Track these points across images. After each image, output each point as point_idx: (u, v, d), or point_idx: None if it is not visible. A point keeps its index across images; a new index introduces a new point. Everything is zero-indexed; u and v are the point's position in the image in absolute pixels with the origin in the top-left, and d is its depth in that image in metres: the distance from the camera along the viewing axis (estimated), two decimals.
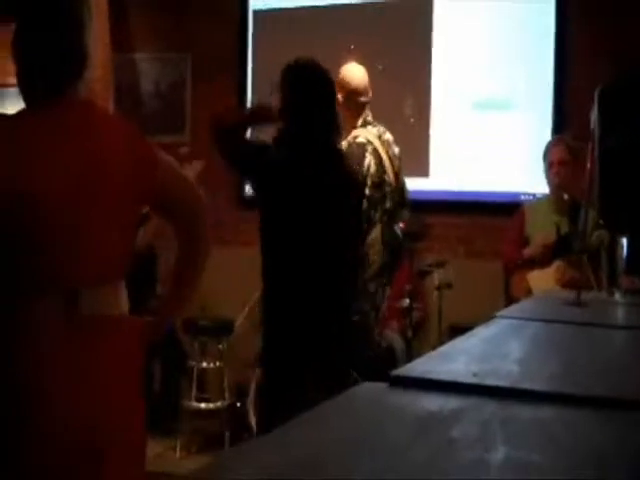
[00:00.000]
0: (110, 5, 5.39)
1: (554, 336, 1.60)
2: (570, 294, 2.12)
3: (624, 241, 2.33)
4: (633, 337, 1.61)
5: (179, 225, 2.13)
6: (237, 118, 2.97)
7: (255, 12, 5.84)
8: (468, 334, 1.45)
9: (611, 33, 4.88)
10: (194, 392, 5.03)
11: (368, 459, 0.72)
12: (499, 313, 1.80)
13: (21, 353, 1.80)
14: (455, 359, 1.18)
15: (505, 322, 1.66)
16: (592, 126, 1.86)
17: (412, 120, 5.34)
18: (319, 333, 2.74)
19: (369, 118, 3.75)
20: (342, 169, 2.97)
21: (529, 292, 3.94)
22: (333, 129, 2.93)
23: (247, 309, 5.22)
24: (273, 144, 2.91)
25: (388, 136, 3.78)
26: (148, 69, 6.11)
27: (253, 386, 4.51)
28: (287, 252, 2.81)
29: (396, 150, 3.79)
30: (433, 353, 1.27)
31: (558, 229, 4.05)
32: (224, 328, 5.26)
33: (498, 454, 0.74)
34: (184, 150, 4.53)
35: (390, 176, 3.69)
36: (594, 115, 1.84)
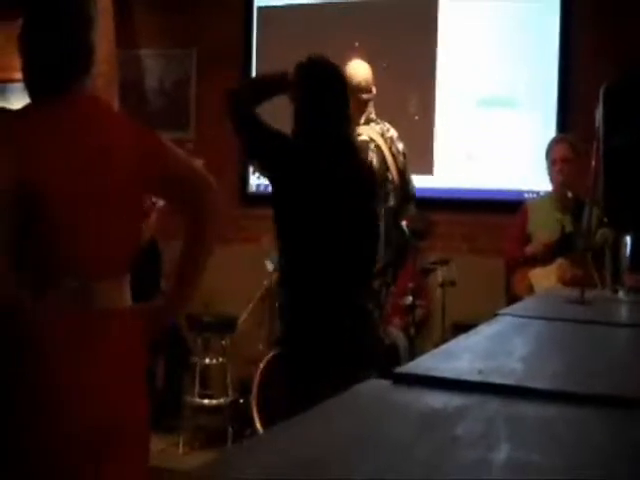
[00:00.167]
0: (114, 1, 5.39)
1: (558, 334, 1.60)
2: (573, 292, 2.12)
3: (628, 239, 2.32)
4: (636, 335, 1.61)
5: (188, 210, 2.10)
6: (253, 83, 2.97)
7: (260, 9, 5.84)
8: (472, 332, 1.45)
9: (616, 32, 4.87)
10: (197, 388, 5.04)
11: (372, 457, 0.72)
12: (502, 311, 1.80)
13: (33, 346, 1.81)
14: (459, 357, 1.17)
15: (508, 320, 1.66)
16: (597, 124, 1.85)
17: (416, 118, 5.34)
18: (332, 325, 2.74)
19: (372, 115, 3.75)
20: (356, 162, 2.98)
21: (531, 290, 3.94)
22: (347, 123, 2.94)
23: (250, 306, 5.23)
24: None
25: (392, 133, 3.78)
26: (152, 65, 6.11)
27: (256, 382, 4.52)
28: (301, 243, 2.82)
29: (400, 146, 3.78)
30: (437, 350, 1.27)
31: (562, 227, 4.04)
32: (227, 324, 5.27)
33: (502, 452, 0.74)
34: (188, 147, 4.54)
35: (393, 173, 3.68)
36: (599, 113, 1.84)
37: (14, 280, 1.81)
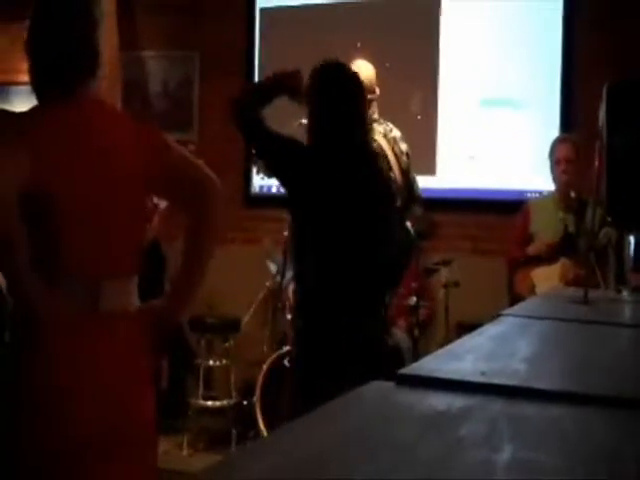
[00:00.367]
0: (118, 3, 5.39)
1: (561, 334, 1.60)
2: (577, 292, 2.11)
3: (631, 239, 2.32)
4: None
5: (192, 209, 2.10)
6: (258, 86, 2.93)
7: (262, 10, 5.84)
8: (475, 332, 1.45)
9: (619, 32, 4.86)
10: (201, 390, 5.04)
11: (376, 458, 0.72)
12: (505, 311, 1.80)
13: (38, 347, 1.82)
14: (462, 358, 1.17)
15: (512, 320, 1.66)
16: (600, 124, 1.85)
17: (419, 118, 5.33)
18: (345, 327, 2.72)
19: (375, 116, 3.75)
20: (371, 170, 2.93)
21: (533, 290, 3.94)
22: (364, 128, 2.90)
23: (253, 307, 5.23)
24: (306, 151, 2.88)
25: (395, 133, 3.78)
26: (156, 67, 6.12)
27: (259, 384, 4.52)
28: (316, 249, 2.79)
29: (403, 147, 3.78)
30: (440, 352, 1.27)
31: (565, 227, 4.04)
32: (231, 326, 5.27)
33: (506, 453, 0.74)
34: (190, 148, 4.54)
35: (396, 174, 3.68)
36: (602, 113, 1.83)
37: (36, 279, 1.81)
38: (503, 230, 4.71)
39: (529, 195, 4.91)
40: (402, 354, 4.56)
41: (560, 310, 1.96)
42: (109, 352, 1.88)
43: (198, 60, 6.03)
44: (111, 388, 1.87)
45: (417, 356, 3.94)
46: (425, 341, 4.73)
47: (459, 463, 0.72)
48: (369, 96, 3.73)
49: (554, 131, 4.91)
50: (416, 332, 4.32)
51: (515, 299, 3.72)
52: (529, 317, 1.74)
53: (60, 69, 1.91)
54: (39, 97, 1.95)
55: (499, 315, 1.69)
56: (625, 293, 2.28)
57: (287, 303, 4.68)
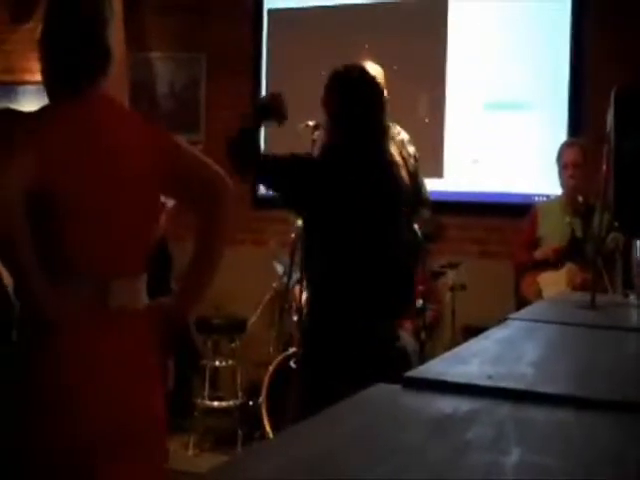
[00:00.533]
0: (124, 4, 5.40)
1: (568, 339, 1.60)
2: (584, 297, 2.11)
3: (639, 243, 2.32)
4: None
5: (202, 209, 2.10)
6: (246, 119, 2.89)
7: (269, 11, 5.85)
8: (481, 336, 1.45)
9: (627, 33, 4.85)
10: (207, 390, 5.05)
11: (383, 461, 0.73)
12: (512, 315, 1.80)
13: (47, 345, 1.83)
14: (469, 361, 1.18)
15: (518, 324, 1.66)
16: (608, 128, 1.85)
17: (427, 120, 5.33)
18: (357, 330, 2.71)
19: None
20: (387, 177, 2.91)
21: (540, 294, 3.93)
22: (382, 134, 2.89)
23: (260, 308, 5.24)
24: (322, 152, 2.87)
25: (403, 136, 3.77)
26: (163, 68, 6.13)
27: (266, 384, 4.52)
28: (328, 251, 2.78)
29: (411, 150, 3.77)
30: (446, 355, 1.27)
31: (572, 231, 4.04)
32: (237, 327, 5.28)
33: (512, 456, 0.74)
34: (197, 149, 4.54)
35: (404, 177, 3.67)
36: (610, 117, 1.83)
37: (43, 278, 1.82)
38: (510, 233, 4.71)
39: (536, 199, 4.91)
40: (408, 357, 4.56)
41: (567, 314, 1.96)
42: (117, 350, 1.89)
43: (205, 61, 6.04)
44: (119, 385, 1.88)
45: (423, 359, 3.93)
46: (432, 344, 4.73)
47: (466, 466, 0.72)
48: None
49: (562, 134, 4.90)
50: (422, 335, 4.31)
51: (522, 303, 3.71)
52: (536, 321, 1.74)
53: (71, 68, 1.93)
54: (51, 96, 1.97)
55: (506, 319, 1.69)
56: (632, 298, 2.28)
57: (293, 304, 4.68)
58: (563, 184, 4.22)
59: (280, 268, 5.05)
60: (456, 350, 1.31)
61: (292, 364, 4.33)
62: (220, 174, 2.08)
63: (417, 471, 0.70)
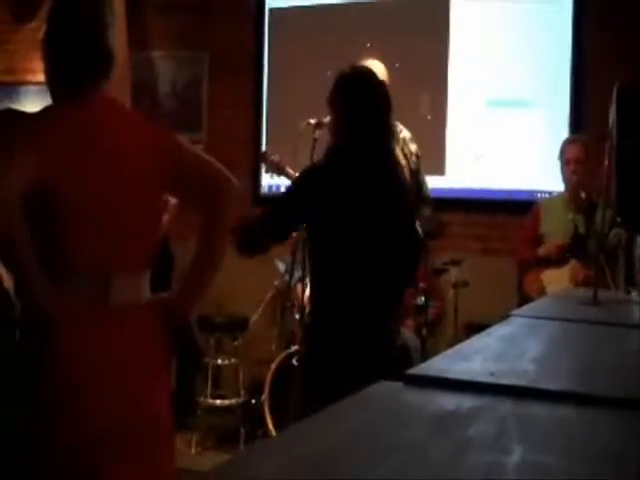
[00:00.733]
0: (127, 4, 5.41)
1: (570, 335, 1.60)
2: (586, 293, 2.11)
3: None
4: None
5: (206, 207, 2.10)
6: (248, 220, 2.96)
7: (271, 10, 5.85)
8: (484, 333, 1.45)
9: (629, 32, 4.85)
10: (209, 389, 5.05)
11: (385, 458, 0.73)
12: (514, 312, 1.80)
13: (50, 344, 1.83)
14: (471, 358, 1.18)
15: (521, 321, 1.66)
16: (610, 125, 1.85)
17: (429, 118, 5.33)
18: (358, 328, 2.72)
19: None
20: (391, 179, 2.91)
21: (543, 291, 3.93)
22: (389, 136, 2.89)
23: (262, 306, 5.24)
24: (327, 154, 2.87)
25: (405, 134, 3.78)
26: (165, 67, 6.13)
27: (268, 382, 4.52)
28: (333, 251, 2.78)
29: (413, 148, 3.78)
30: (449, 352, 1.27)
31: (575, 227, 4.04)
32: (239, 325, 5.28)
33: (515, 453, 0.74)
34: (199, 148, 4.54)
35: (405, 174, 3.68)
36: (612, 114, 1.83)
37: (44, 278, 1.82)
38: (512, 230, 4.71)
39: (539, 195, 4.91)
40: (410, 354, 4.56)
41: (569, 311, 1.96)
42: (120, 347, 1.89)
43: (207, 60, 6.03)
44: (122, 383, 1.88)
45: (425, 356, 3.94)
46: (434, 341, 4.73)
47: (468, 463, 0.72)
48: None
49: (564, 131, 4.90)
50: (424, 332, 4.31)
51: (524, 300, 3.71)
52: (538, 318, 1.74)
53: (73, 70, 1.94)
54: (54, 97, 1.97)
55: (508, 315, 1.69)
56: (634, 294, 2.28)
57: (295, 302, 4.69)
58: (565, 181, 4.22)
59: (282, 266, 5.05)
60: (458, 347, 1.31)
61: (294, 362, 4.33)
62: (223, 172, 2.08)
63: (419, 469, 0.70)
